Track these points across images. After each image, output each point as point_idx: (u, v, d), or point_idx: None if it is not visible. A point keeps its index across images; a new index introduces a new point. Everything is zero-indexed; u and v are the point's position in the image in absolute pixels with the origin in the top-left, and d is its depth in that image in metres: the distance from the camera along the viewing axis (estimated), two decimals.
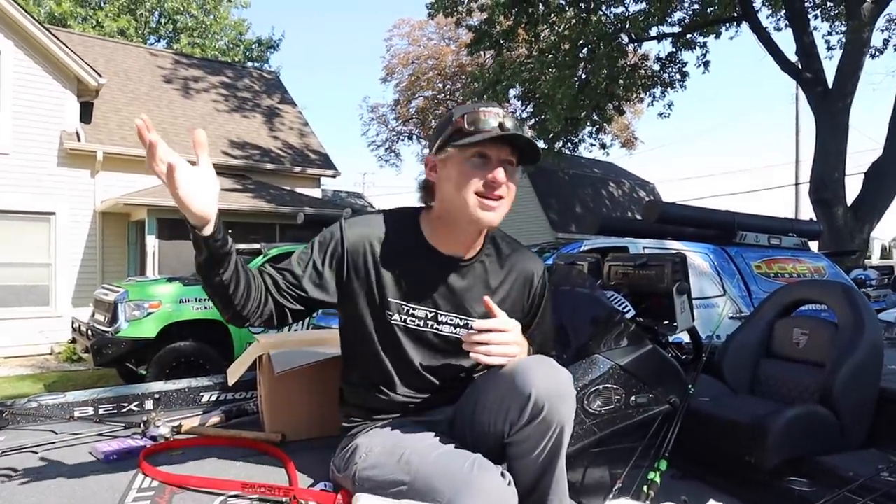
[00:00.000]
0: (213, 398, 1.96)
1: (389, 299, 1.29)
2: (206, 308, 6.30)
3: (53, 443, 1.57)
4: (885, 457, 1.80)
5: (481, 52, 14.07)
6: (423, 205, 1.36)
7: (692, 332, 1.87)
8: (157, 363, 6.00)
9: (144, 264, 9.91)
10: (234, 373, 1.82)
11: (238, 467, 1.43)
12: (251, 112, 14.28)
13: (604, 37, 11.74)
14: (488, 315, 1.23)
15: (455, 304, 1.32)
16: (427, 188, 1.31)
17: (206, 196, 1.08)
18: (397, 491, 1.13)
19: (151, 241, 9.81)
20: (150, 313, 6.09)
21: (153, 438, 1.57)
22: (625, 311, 1.70)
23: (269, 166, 12.72)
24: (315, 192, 13.69)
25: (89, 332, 6.40)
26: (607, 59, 11.66)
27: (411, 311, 1.30)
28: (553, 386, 1.13)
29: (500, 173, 1.21)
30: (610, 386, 1.56)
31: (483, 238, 1.34)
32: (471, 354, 1.17)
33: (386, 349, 1.31)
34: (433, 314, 1.31)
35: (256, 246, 7.27)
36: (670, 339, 2.00)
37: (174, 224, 10.02)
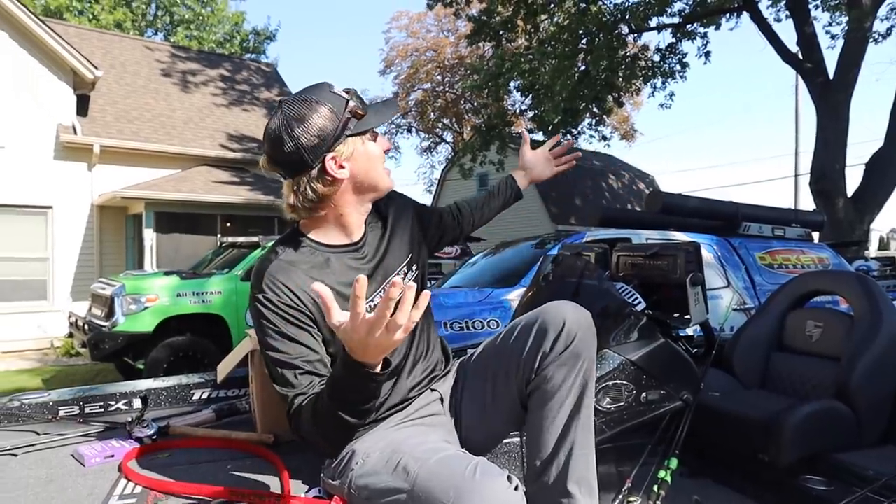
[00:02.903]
0: (205, 396, 1.88)
1: None
2: (203, 302, 6.23)
3: (34, 445, 1.49)
4: None
5: (480, 44, 13.94)
6: (299, 219, 1.30)
7: (705, 325, 1.79)
8: (154, 358, 5.93)
9: (142, 258, 9.83)
10: (224, 369, 1.74)
11: (227, 471, 1.35)
12: (249, 105, 14.17)
13: (603, 27, 11.60)
14: (412, 256, 1.39)
15: (385, 270, 1.34)
16: (321, 195, 1.22)
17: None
18: (395, 499, 1.06)
19: (149, 235, 9.73)
20: (146, 307, 6.01)
21: (139, 440, 1.49)
22: (635, 303, 1.62)
23: None
24: None
25: (86, 327, 6.33)
26: (607, 50, 11.53)
27: (371, 306, 1.27)
28: (583, 317, 1.21)
29: (387, 139, 1.31)
30: (620, 382, 1.49)
31: None
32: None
33: None
34: (381, 291, 1.31)
35: (255, 239, 7.18)
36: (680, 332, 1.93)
37: (172, 217, 9.96)
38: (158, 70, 13.49)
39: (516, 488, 1.03)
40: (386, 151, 1.30)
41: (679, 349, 1.56)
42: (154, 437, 1.50)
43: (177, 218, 10.00)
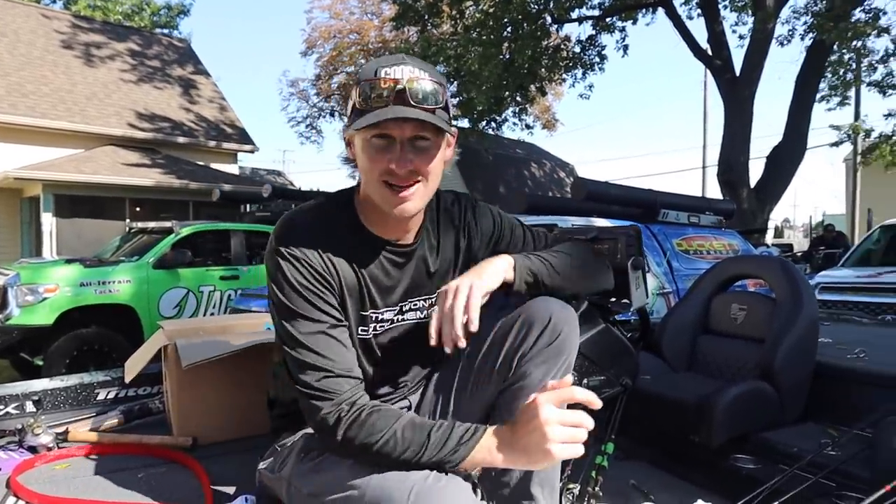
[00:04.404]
0: (111, 396, 1.70)
1: (361, 314, 1.12)
2: (110, 291, 5.82)
3: None
4: (822, 430, 1.82)
5: (405, 28, 13.76)
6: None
7: (641, 309, 1.79)
8: (55, 353, 5.51)
9: (40, 245, 9.13)
10: (133, 367, 1.57)
11: (139, 482, 1.21)
12: (161, 82, 13.40)
13: (527, 16, 11.75)
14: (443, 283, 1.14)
15: (413, 289, 1.18)
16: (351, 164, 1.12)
17: None
18: (345, 499, 0.96)
19: (48, 220, 9.05)
20: (45, 298, 5.56)
21: (31, 449, 1.32)
22: None
23: (182, 140, 11.99)
24: (232, 168, 13.06)
25: None
26: (531, 39, 11.69)
27: (380, 317, 1.14)
28: (570, 315, 1.14)
29: (402, 160, 1.01)
30: None
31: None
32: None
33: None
34: (398, 308, 1.16)
35: (167, 224, 6.77)
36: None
37: (74, 201, 9.29)
38: (57, 41, 12.48)
39: (479, 495, 0.97)
40: (391, 172, 1.01)
41: (619, 334, 1.54)
42: (50, 445, 1.34)
43: (79, 201, 9.34)
